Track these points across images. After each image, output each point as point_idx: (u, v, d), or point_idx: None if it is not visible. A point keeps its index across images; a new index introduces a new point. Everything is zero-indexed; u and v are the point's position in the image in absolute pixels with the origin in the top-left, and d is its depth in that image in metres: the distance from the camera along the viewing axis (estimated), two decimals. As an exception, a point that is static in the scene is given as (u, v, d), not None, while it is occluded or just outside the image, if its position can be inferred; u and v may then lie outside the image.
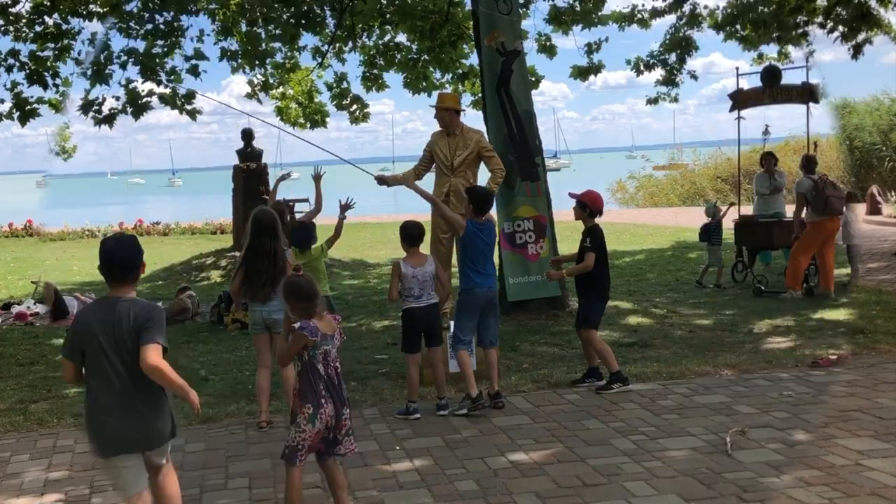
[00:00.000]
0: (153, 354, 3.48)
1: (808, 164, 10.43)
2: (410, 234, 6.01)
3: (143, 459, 3.67)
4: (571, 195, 6.63)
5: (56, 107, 10.72)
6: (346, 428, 4.10)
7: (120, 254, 3.66)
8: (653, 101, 14.89)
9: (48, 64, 10.49)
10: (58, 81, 10.69)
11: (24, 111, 10.38)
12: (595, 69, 13.36)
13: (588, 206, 6.48)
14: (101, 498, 4.71)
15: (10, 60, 10.31)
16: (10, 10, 10.28)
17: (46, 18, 10.49)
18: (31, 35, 10.46)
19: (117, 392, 3.55)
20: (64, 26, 10.60)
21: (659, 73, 14.27)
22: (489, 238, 6.23)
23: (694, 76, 14.48)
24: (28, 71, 10.35)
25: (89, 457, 4.91)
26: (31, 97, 10.49)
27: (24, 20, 10.35)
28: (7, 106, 10.46)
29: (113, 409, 3.56)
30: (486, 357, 6.25)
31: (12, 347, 9.01)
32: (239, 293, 6.02)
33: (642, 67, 14.25)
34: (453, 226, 6.36)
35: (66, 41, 10.59)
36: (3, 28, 10.31)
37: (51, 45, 10.53)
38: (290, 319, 4.06)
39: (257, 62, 11.65)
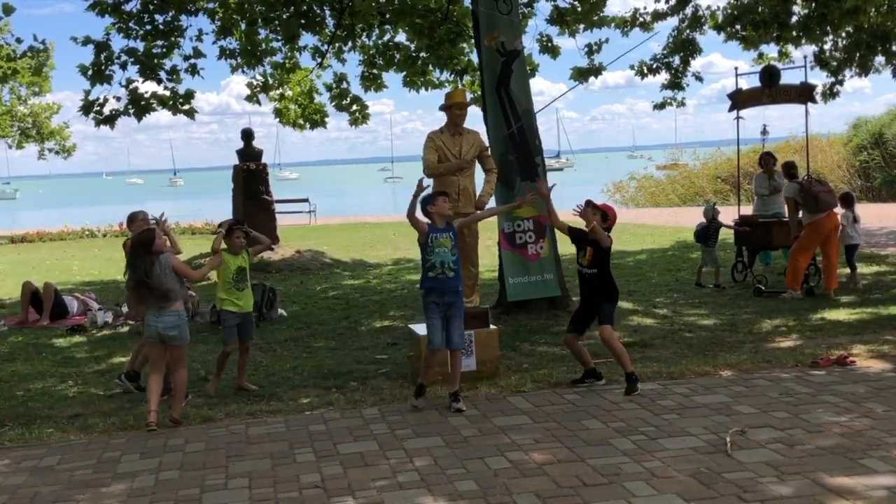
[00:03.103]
0: None
1: (789, 170, 10.59)
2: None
3: None
4: (591, 203, 6.54)
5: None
6: None
7: None
8: (659, 107, 14.78)
9: (157, 61, 10.62)
10: (171, 77, 10.80)
11: (140, 106, 10.53)
12: (595, 71, 13.32)
13: (609, 218, 6.48)
14: (213, 499, 4.65)
15: (124, 57, 10.43)
16: (122, 7, 10.45)
17: (156, 16, 10.62)
18: (141, 32, 10.60)
19: None
20: (173, 23, 10.70)
21: (663, 76, 14.20)
22: None
23: (699, 78, 14.41)
24: (141, 67, 10.48)
25: (200, 456, 5.33)
26: (146, 93, 10.63)
27: (133, 18, 10.47)
28: (123, 102, 10.60)
29: None
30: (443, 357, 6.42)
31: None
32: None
33: (646, 71, 14.21)
34: (417, 230, 6.29)
35: (173, 38, 10.72)
36: (116, 25, 10.45)
37: (159, 42, 10.65)
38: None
39: (255, 60, 11.64)
